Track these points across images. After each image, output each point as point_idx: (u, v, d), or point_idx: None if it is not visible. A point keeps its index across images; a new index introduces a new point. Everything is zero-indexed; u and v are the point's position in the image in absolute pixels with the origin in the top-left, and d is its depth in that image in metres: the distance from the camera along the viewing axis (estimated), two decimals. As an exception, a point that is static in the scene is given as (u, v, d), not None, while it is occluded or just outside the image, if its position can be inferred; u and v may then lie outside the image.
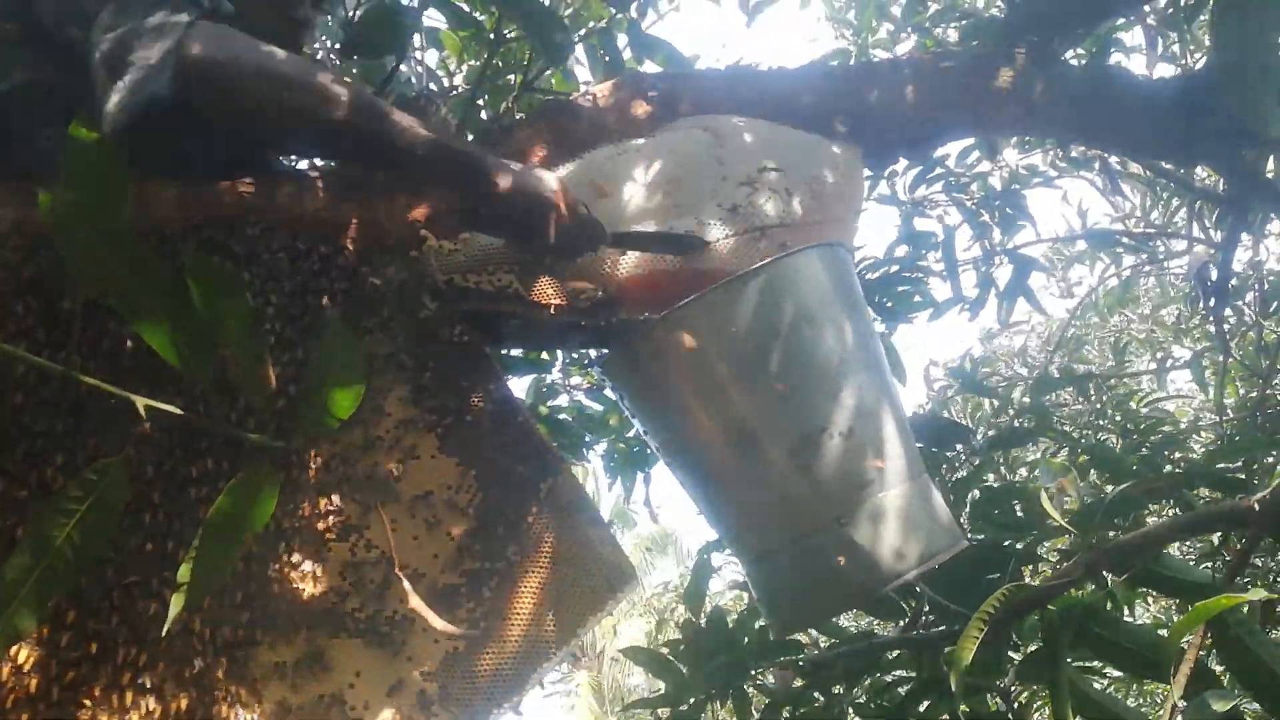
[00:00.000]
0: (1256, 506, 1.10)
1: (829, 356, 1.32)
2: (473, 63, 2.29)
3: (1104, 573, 1.32)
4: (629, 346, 1.39)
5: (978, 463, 2.24)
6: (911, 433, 1.38)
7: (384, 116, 1.21)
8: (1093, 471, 2.85)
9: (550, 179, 1.30)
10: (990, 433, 3.26)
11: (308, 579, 1.16)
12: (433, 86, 2.21)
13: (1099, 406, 3.11)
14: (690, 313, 1.31)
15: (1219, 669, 1.28)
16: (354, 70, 1.99)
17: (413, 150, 1.22)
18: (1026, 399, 2.97)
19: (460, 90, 2.24)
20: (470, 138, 1.92)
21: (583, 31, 2.12)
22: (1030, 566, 1.64)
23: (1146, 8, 2.41)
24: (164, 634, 0.98)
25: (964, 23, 2.71)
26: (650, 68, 2.16)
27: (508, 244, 1.36)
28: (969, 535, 1.83)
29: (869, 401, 1.31)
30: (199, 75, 1.11)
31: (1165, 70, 2.81)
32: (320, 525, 1.19)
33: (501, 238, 1.35)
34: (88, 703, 1.01)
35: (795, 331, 1.30)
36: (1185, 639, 1.04)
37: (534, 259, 1.39)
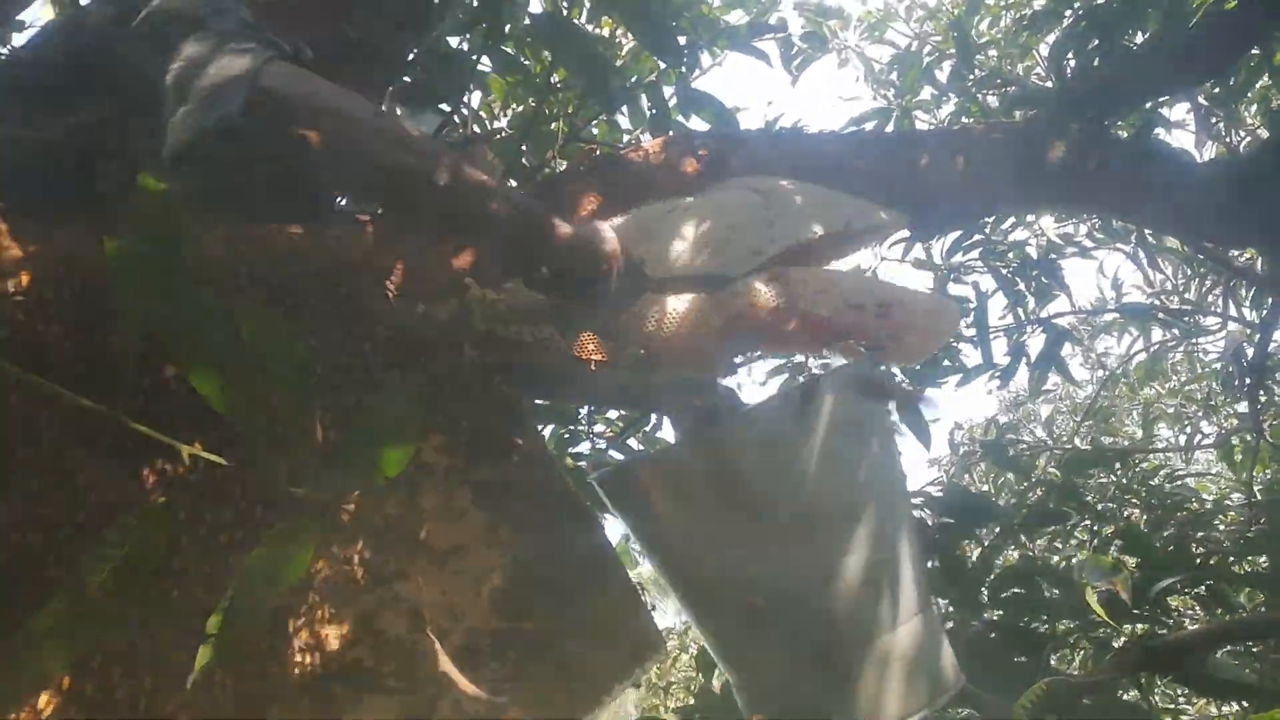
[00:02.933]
0: (1313, 618, 1.06)
1: (790, 518, 1.22)
2: (516, 108, 2.29)
3: (1143, 671, 1.28)
4: (621, 474, 1.38)
5: (1002, 537, 2.21)
6: (898, 575, 1.25)
7: (450, 171, 1.21)
8: (1113, 549, 2.81)
9: (607, 235, 1.29)
10: (1012, 500, 3.22)
11: (333, 631, 1.14)
12: (476, 130, 2.22)
13: (1124, 481, 3.06)
14: (665, 463, 1.31)
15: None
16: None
17: (476, 208, 1.23)
18: (1052, 469, 2.94)
19: (504, 135, 2.25)
20: (513, 184, 1.93)
21: (630, 82, 2.12)
22: (1055, 652, 1.61)
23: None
24: (188, 686, 0.95)
25: (1006, 90, 2.71)
26: (696, 122, 2.17)
27: (551, 299, 1.34)
28: (990, 613, 1.80)
29: (833, 564, 1.20)
30: (272, 106, 1.12)
31: (1210, 148, 2.80)
32: (347, 575, 1.16)
33: (552, 294, 1.33)
34: (109, 753, 0.98)
35: (764, 492, 1.23)
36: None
37: (579, 313, 1.38)
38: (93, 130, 1.14)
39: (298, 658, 1.13)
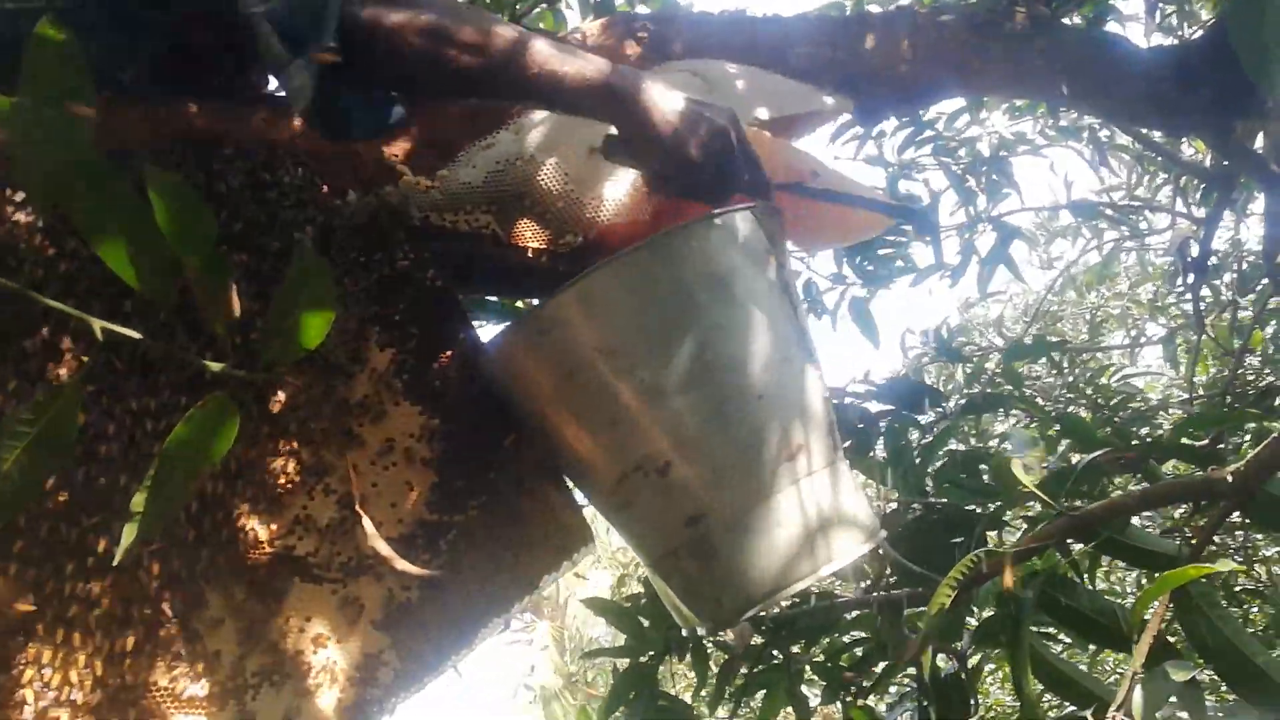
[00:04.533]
0: (1229, 479, 1.09)
1: (637, 386, 1.16)
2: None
3: (1070, 541, 1.32)
4: (497, 346, 1.31)
5: (946, 426, 2.24)
6: (780, 433, 1.18)
7: (537, 55, 1.16)
8: (1063, 442, 2.87)
9: (725, 115, 1.17)
10: (962, 400, 3.27)
11: (263, 520, 1.14)
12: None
13: (1071, 379, 3.12)
14: (525, 329, 1.24)
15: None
16: None
17: (564, 87, 1.15)
18: (1000, 369, 2.98)
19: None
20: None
21: (573, -31, 2.07)
22: (996, 531, 1.65)
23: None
24: (115, 565, 0.95)
25: (961, -19, 2.66)
26: (643, 12, 2.11)
27: (653, 184, 1.25)
28: (933, 499, 1.83)
29: (691, 429, 1.15)
30: (371, 37, 1.11)
31: (1161, 40, 2.78)
32: (279, 466, 1.16)
33: (656, 178, 1.22)
34: (32, 636, 0.98)
35: (601, 360, 1.17)
36: (1149, 609, 1.04)
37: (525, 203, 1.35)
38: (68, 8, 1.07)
39: (227, 545, 1.12)
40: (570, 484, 1.33)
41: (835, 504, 1.18)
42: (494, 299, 2.16)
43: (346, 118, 1.25)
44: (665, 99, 1.15)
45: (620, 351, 1.16)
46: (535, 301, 1.48)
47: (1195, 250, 2.72)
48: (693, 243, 1.19)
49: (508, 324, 1.38)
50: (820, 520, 1.15)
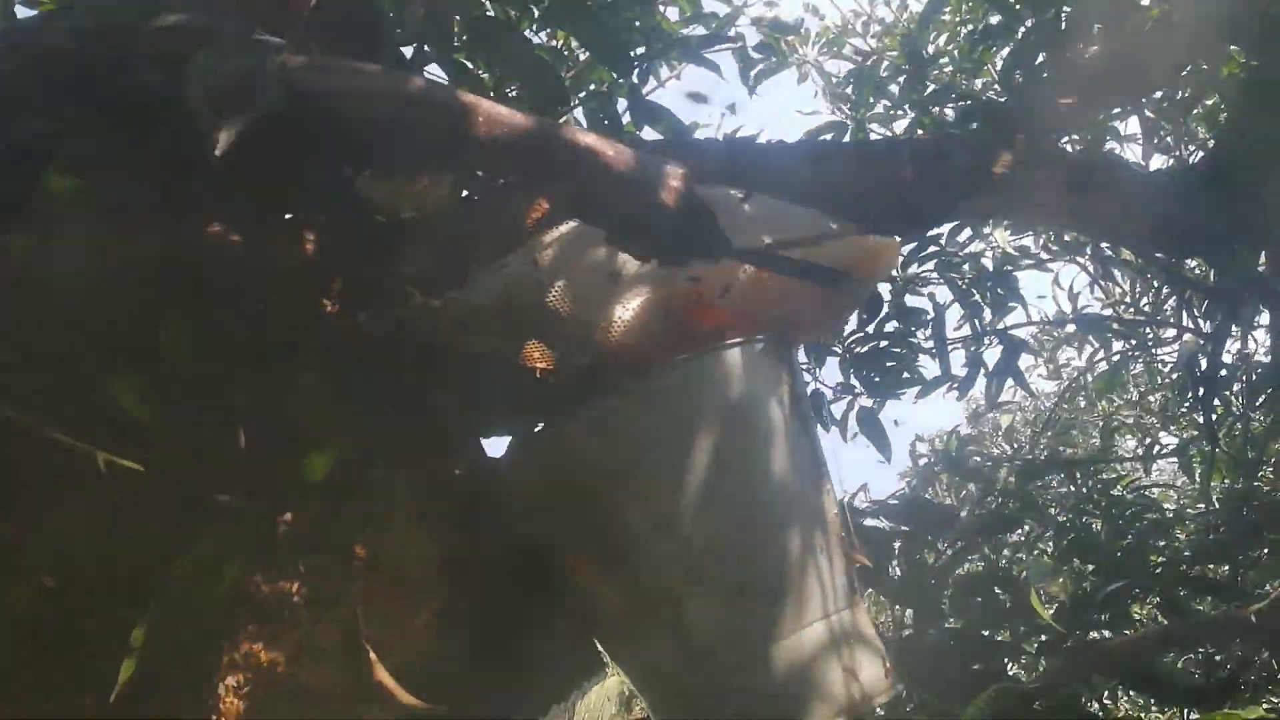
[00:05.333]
0: (1254, 618, 1.06)
1: (647, 515, 1.15)
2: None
3: (1092, 674, 1.28)
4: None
5: (961, 545, 2.21)
6: (801, 567, 1.14)
7: (472, 106, 1.13)
8: (1076, 559, 2.82)
9: (671, 170, 1.15)
10: (976, 511, 3.23)
11: (267, 648, 1.11)
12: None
13: (1084, 491, 3.08)
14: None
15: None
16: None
17: (507, 147, 1.13)
18: (1012, 480, 2.96)
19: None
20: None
21: (583, 95, 2.13)
22: (1013, 660, 1.60)
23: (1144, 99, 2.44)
24: (111, 699, 0.93)
25: (961, 103, 2.74)
26: (650, 134, 2.16)
27: (608, 237, 1.22)
28: (950, 621, 1.79)
29: (704, 562, 1.12)
30: (307, 96, 1.10)
31: (1160, 161, 2.84)
32: (285, 593, 1.14)
33: (600, 229, 1.20)
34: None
35: (610, 488, 1.17)
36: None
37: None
38: (40, 139, 1.10)
39: (230, 676, 1.10)
40: (579, 613, 1.30)
41: (861, 639, 1.15)
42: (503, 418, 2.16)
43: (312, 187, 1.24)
44: (620, 149, 1.13)
45: (630, 480, 1.14)
46: (543, 424, 1.49)
47: (1204, 364, 2.72)
48: (706, 370, 1.19)
49: (514, 441, 1.38)
50: (847, 656, 1.12)
